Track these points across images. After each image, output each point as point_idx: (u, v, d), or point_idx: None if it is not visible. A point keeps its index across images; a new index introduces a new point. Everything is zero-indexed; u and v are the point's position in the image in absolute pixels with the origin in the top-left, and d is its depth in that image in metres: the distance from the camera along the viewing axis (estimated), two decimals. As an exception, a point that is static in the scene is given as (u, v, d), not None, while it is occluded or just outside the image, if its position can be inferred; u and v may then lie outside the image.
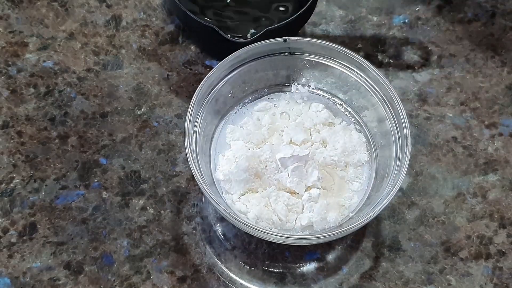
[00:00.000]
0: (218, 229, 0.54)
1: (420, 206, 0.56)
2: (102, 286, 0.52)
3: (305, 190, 0.51)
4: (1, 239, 0.54)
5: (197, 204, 0.56)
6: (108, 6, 0.66)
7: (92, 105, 0.60)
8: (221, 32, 0.58)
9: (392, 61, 0.63)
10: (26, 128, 0.59)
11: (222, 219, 0.54)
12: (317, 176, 0.51)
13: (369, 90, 0.54)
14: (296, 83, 0.57)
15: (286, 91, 0.57)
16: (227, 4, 0.64)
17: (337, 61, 0.55)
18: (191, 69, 0.62)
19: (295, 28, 0.62)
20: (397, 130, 0.51)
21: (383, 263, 0.53)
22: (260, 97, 0.57)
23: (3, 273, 0.52)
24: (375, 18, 0.66)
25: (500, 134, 0.60)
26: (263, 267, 0.53)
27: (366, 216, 0.47)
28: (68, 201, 0.55)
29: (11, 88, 0.61)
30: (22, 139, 0.58)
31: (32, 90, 0.61)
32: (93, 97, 0.60)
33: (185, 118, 0.50)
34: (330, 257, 0.54)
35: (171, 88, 0.61)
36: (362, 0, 0.67)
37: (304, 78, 0.57)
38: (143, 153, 0.58)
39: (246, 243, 0.53)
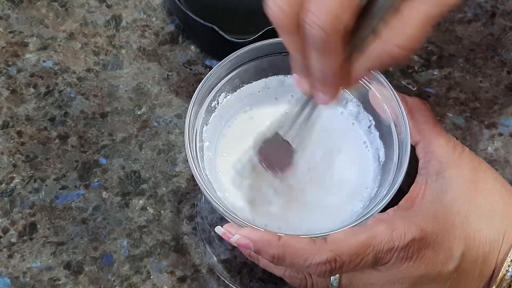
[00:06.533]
0: (218, 229, 0.54)
1: (420, 206, 0.55)
2: (102, 286, 0.52)
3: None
4: (1, 239, 0.54)
5: (197, 204, 0.56)
6: (108, 6, 0.66)
7: (92, 105, 0.60)
8: (221, 32, 0.58)
9: (392, 61, 0.63)
10: (26, 128, 0.59)
11: (222, 219, 0.54)
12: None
13: (369, 90, 0.54)
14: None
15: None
16: (227, 4, 0.64)
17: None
18: (191, 69, 0.62)
19: (295, 28, 0.62)
20: (397, 130, 0.51)
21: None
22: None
23: (3, 273, 0.52)
24: (375, 18, 0.66)
25: (500, 134, 0.60)
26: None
27: (365, 217, 0.47)
28: (68, 201, 0.55)
29: (11, 88, 0.61)
30: (22, 139, 0.58)
31: (32, 90, 0.61)
32: (93, 97, 0.60)
33: (185, 118, 0.50)
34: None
35: (171, 88, 0.61)
36: (362, 0, 0.67)
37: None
38: (143, 153, 0.58)
39: (246, 243, 0.53)
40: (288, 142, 0.49)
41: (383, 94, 0.52)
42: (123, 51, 0.63)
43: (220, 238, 0.50)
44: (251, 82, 0.56)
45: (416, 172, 0.50)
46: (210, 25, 0.58)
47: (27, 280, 0.52)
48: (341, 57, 0.39)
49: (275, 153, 0.50)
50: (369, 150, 0.54)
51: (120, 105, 0.60)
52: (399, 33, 0.37)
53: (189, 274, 0.53)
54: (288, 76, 0.56)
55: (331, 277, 0.46)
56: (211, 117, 0.54)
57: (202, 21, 0.59)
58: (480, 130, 0.60)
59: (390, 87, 0.51)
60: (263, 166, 0.50)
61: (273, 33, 0.56)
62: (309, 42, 0.38)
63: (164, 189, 0.56)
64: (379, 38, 0.37)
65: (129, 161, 0.57)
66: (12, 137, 0.58)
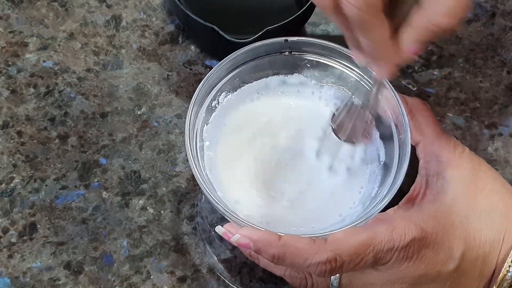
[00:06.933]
0: (218, 229, 0.54)
1: (420, 206, 0.55)
2: (102, 286, 0.52)
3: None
4: (1, 239, 0.53)
5: (197, 204, 0.56)
6: (108, 6, 0.66)
7: (92, 105, 0.60)
8: (221, 32, 0.58)
9: (392, 61, 0.63)
10: (26, 128, 0.59)
11: (222, 219, 0.54)
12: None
13: (370, 90, 0.54)
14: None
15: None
16: (227, 4, 0.64)
17: (338, 61, 0.54)
18: (191, 69, 0.62)
19: (295, 28, 0.62)
20: (397, 131, 0.51)
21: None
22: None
23: (3, 273, 0.52)
24: (375, 18, 0.66)
25: (500, 134, 0.60)
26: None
27: (365, 217, 0.47)
28: (68, 201, 0.55)
29: (11, 88, 0.61)
30: (22, 139, 0.58)
31: (32, 90, 0.61)
32: (93, 97, 0.60)
33: (185, 118, 0.50)
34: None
35: (171, 88, 0.61)
36: (362, 0, 0.67)
37: (304, 78, 0.57)
38: (143, 153, 0.58)
39: (246, 243, 0.53)
40: (365, 110, 0.50)
41: (383, 94, 0.52)
42: (123, 51, 0.63)
43: (221, 238, 0.50)
44: (252, 82, 0.56)
45: (416, 172, 0.50)
46: (210, 25, 0.58)
47: (27, 280, 0.52)
48: (384, 31, 0.39)
49: (350, 122, 0.51)
50: (368, 150, 0.54)
51: (120, 105, 0.60)
52: (441, 1, 0.37)
53: (189, 274, 0.53)
54: (289, 75, 0.56)
55: (331, 277, 0.46)
56: (212, 116, 0.54)
57: (202, 21, 0.59)
58: (480, 130, 0.60)
59: (390, 87, 0.51)
60: (336, 135, 0.51)
61: (273, 33, 0.56)
62: (350, 20, 0.39)
63: (164, 189, 0.56)
64: (422, 8, 0.38)
65: (129, 161, 0.57)
66: (12, 137, 0.58)
